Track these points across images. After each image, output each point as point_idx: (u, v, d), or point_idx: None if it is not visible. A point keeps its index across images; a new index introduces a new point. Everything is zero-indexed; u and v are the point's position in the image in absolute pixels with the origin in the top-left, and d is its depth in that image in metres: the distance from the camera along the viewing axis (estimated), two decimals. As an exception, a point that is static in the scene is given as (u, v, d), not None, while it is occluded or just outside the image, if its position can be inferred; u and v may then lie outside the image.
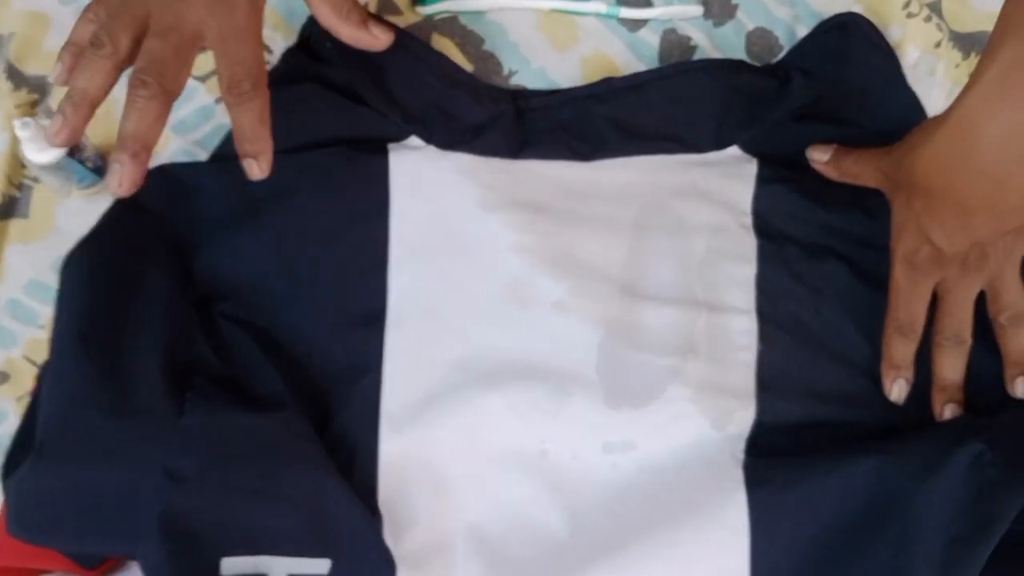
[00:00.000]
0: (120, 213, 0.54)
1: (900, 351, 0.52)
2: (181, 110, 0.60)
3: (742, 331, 0.54)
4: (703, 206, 0.56)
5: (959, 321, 0.52)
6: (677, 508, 0.50)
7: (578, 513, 0.51)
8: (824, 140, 0.56)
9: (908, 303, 0.52)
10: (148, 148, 0.43)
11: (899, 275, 0.52)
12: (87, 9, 0.46)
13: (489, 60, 0.61)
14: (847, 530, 0.49)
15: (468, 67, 0.60)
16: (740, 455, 0.51)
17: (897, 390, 0.53)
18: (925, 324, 0.52)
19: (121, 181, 0.42)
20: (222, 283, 0.54)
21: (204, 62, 0.62)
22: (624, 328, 0.53)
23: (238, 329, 0.53)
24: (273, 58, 0.59)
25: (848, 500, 0.49)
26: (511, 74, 0.60)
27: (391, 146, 0.57)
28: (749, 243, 0.55)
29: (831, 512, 0.49)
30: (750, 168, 0.57)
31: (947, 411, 0.53)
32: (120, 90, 0.47)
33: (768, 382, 0.53)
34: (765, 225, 0.56)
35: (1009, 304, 0.52)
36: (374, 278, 0.54)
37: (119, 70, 0.44)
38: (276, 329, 0.54)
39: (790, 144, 0.57)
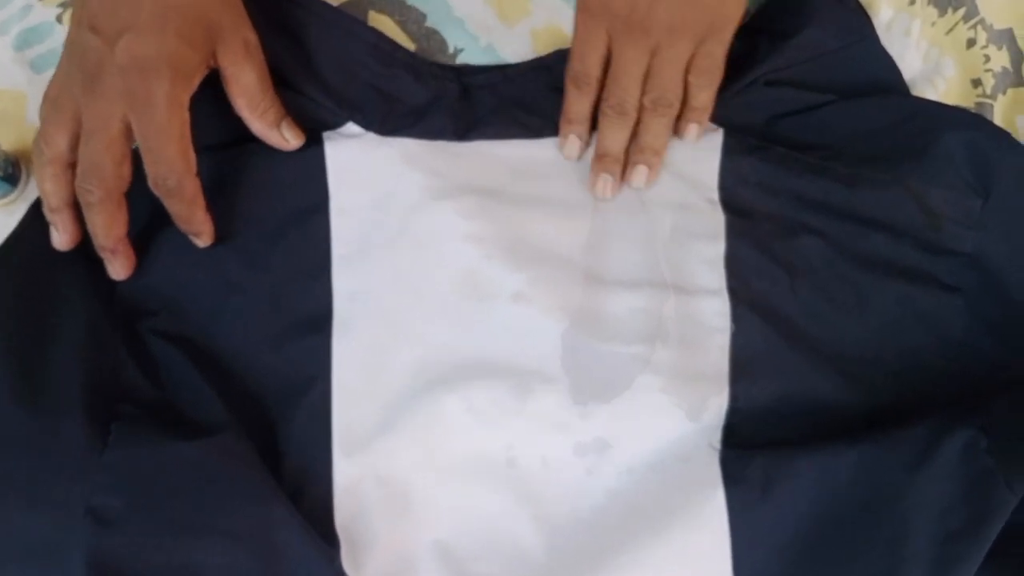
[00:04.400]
0: (33, 223, 0.51)
1: (575, 104, 0.52)
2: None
3: (713, 313, 0.51)
4: (666, 181, 0.53)
5: (623, 89, 0.52)
6: (656, 515, 0.48)
7: (553, 529, 0.49)
8: (795, 107, 0.54)
9: (582, 52, 0.52)
10: (120, 240, 0.48)
11: (577, 21, 0.52)
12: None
13: (432, 38, 0.57)
14: (832, 529, 0.46)
15: (410, 46, 0.57)
16: (717, 445, 0.49)
17: (568, 147, 0.53)
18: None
19: (117, 272, 0.49)
20: (149, 297, 0.51)
21: None
22: (588, 317, 0.50)
23: (169, 346, 0.50)
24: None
25: (832, 498, 0.46)
26: (457, 52, 0.57)
27: (326, 135, 0.53)
28: (717, 219, 0.52)
29: (814, 511, 0.47)
30: (715, 138, 0.54)
31: (599, 183, 0.52)
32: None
33: (742, 365, 0.50)
34: (733, 199, 0.53)
35: (656, 87, 0.52)
36: (316, 281, 0.51)
37: (66, 170, 0.48)
38: (211, 344, 0.51)
39: (759, 112, 0.54)
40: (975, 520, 0.44)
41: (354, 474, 0.49)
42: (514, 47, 0.57)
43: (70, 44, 0.49)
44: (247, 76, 0.49)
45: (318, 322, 0.50)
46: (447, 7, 0.57)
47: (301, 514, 0.46)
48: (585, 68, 0.52)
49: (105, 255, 0.49)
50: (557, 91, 0.54)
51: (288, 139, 0.51)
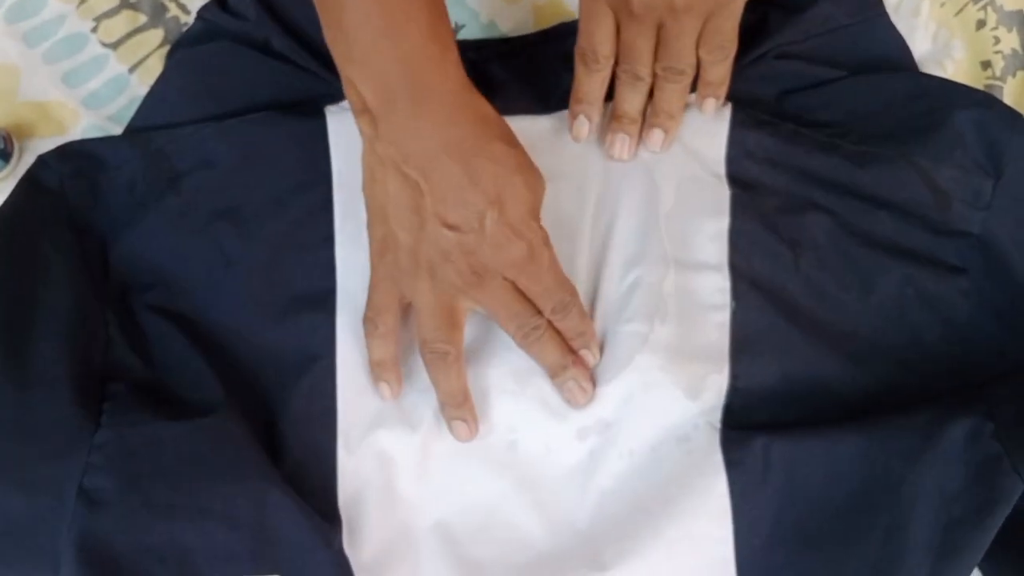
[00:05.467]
0: (21, 197, 0.50)
1: (584, 82, 0.52)
2: (91, 82, 0.56)
3: (714, 289, 0.50)
4: (672, 153, 0.52)
5: (635, 59, 0.51)
6: (657, 500, 0.47)
7: (554, 516, 0.48)
8: (805, 81, 0.53)
9: (589, 30, 0.51)
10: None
11: (581, 1, 0.52)
12: None
13: (433, 12, 0.55)
14: (834, 514, 0.46)
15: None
16: (717, 424, 0.48)
17: (577, 127, 0.52)
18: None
19: (584, 388, 0.48)
20: (144, 270, 0.50)
21: (115, 27, 0.57)
22: (589, 294, 0.50)
23: (164, 322, 0.49)
24: (189, 18, 0.54)
25: (833, 483, 0.46)
26: (458, 28, 0.56)
27: (328, 108, 0.52)
28: (722, 193, 0.51)
29: (815, 495, 0.46)
30: (724, 112, 0.53)
31: (617, 142, 0.52)
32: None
33: (743, 343, 0.49)
34: (739, 174, 0.52)
35: (666, 56, 0.51)
36: (319, 255, 0.50)
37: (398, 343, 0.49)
38: (208, 319, 0.50)
39: (769, 86, 0.53)
40: (980, 507, 0.43)
41: (358, 454, 0.48)
42: (516, 22, 0.56)
43: (426, 244, 0.46)
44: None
45: (321, 298, 0.49)
46: (449, -18, 0.56)
47: (304, 494, 0.46)
48: (592, 45, 0.51)
49: (565, 376, 0.48)
50: (563, 63, 0.53)
51: None
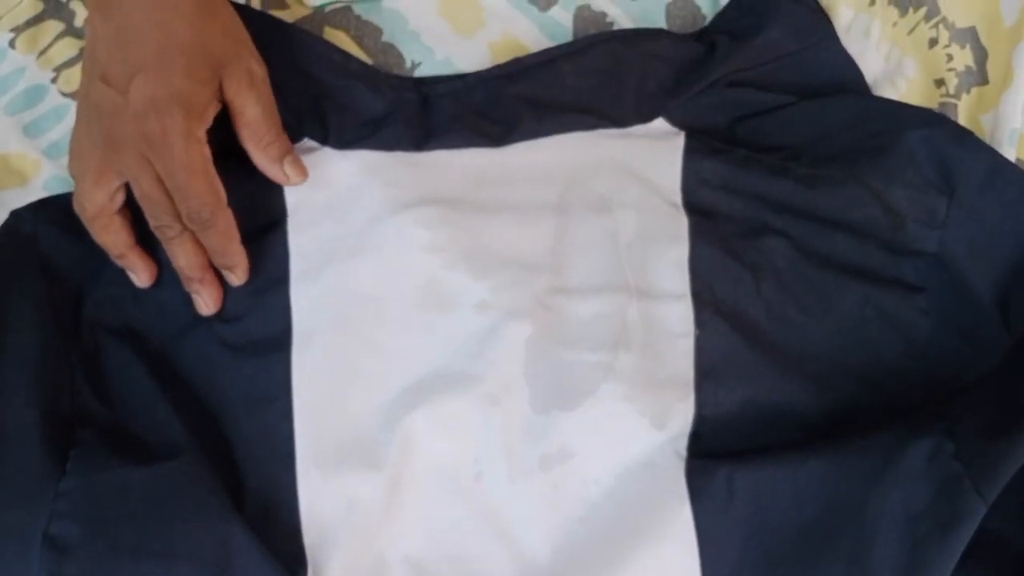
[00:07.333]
0: None
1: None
2: (52, 132, 0.56)
3: (678, 317, 0.50)
4: (628, 184, 0.52)
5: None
6: (623, 530, 0.47)
7: (520, 548, 0.48)
8: (756, 108, 0.53)
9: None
10: (206, 269, 0.49)
11: None
12: None
13: (389, 52, 0.56)
14: (799, 538, 0.46)
15: (367, 61, 0.56)
16: (683, 453, 0.48)
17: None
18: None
19: (207, 304, 0.49)
20: (114, 316, 0.51)
21: (75, 76, 0.57)
22: (551, 324, 0.49)
23: (131, 366, 0.49)
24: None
25: (798, 507, 0.46)
26: (415, 66, 0.56)
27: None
28: (680, 221, 0.51)
29: (780, 521, 0.46)
30: (677, 141, 0.53)
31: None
32: None
33: (707, 370, 0.49)
34: (696, 202, 0.52)
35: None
36: (275, 297, 0.50)
37: (113, 219, 0.48)
38: (172, 362, 0.50)
39: (720, 114, 0.54)
40: (943, 526, 0.43)
41: (320, 492, 0.48)
42: (471, 59, 0.56)
43: (84, 98, 0.48)
44: (251, 108, 0.48)
45: (277, 339, 0.50)
46: (403, 21, 0.56)
47: (269, 536, 0.46)
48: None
49: (193, 287, 0.49)
50: (517, 99, 0.54)
51: (288, 175, 0.50)
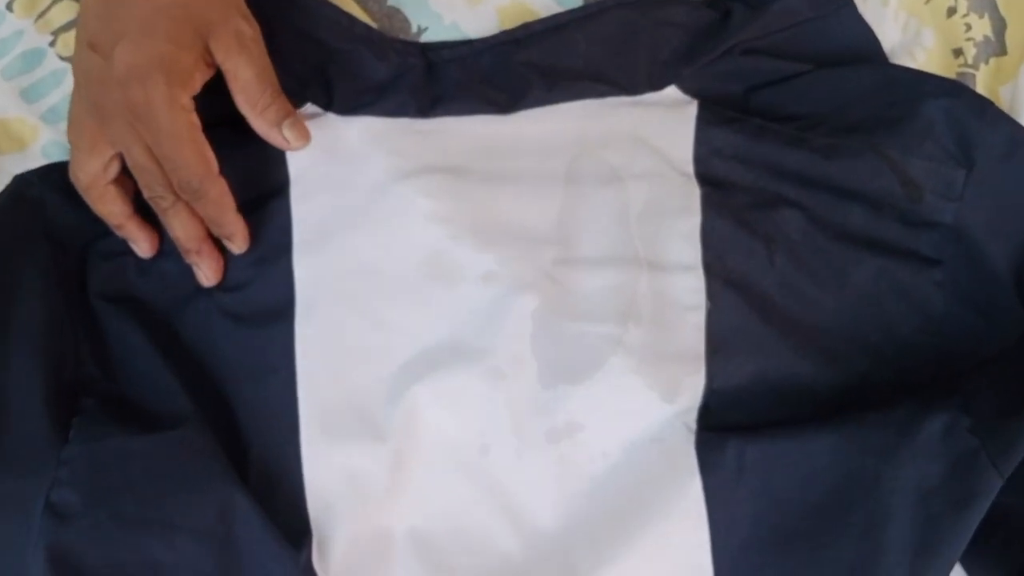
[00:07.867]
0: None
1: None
2: (50, 97, 0.55)
3: (688, 289, 0.49)
4: (639, 154, 0.51)
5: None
6: (632, 505, 0.46)
7: (527, 522, 0.47)
8: (772, 76, 0.52)
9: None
10: (203, 240, 0.48)
11: None
12: None
13: (395, 16, 0.55)
14: (810, 514, 0.45)
15: (372, 26, 0.54)
16: (693, 426, 0.47)
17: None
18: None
19: (206, 275, 0.49)
20: (117, 283, 0.50)
21: (73, 39, 0.56)
22: (559, 296, 0.49)
23: (135, 335, 0.49)
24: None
25: (809, 482, 0.45)
26: (421, 31, 0.55)
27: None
28: (691, 192, 0.50)
29: (791, 496, 0.46)
30: (690, 110, 0.52)
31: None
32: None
33: (718, 344, 0.48)
34: (708, 172, 0.51)
35: None
36: (277, 267, 0.49)
37: (108, 187, 0.48)
38: (176, 331, 0.50)
39: (734, 83, 0.53)
40: (958, 502, 0.43)
41: (324, 463, 0.47)
42: (479, 24, 0.55)
43: (76, 65, 0.48)
44: (243, 71, 0.47)
45: (280, 308, 0.49)
46: (410, -16, 0.55)
47: (273, 507, 0.45)
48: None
49: (191, 258, 0.48)
50: (526, 66, 0.53)
51: (289, 140, 0.48)
